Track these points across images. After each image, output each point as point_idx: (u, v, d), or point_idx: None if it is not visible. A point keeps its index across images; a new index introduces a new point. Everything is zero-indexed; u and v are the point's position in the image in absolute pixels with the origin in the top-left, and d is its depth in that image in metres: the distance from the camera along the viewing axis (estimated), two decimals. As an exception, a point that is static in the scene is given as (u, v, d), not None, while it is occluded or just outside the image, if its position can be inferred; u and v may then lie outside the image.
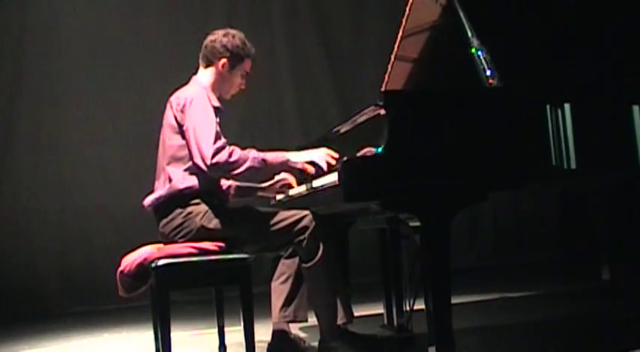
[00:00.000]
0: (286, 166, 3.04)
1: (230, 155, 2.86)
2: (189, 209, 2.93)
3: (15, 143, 6.31)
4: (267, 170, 3.01)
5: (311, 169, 2.98)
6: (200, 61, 3.18)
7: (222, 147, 2.86)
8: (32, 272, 6.16)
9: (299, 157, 3.01)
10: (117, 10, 6.59)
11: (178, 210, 2.94)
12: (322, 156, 2.97)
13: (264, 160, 2.93)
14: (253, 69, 3.22)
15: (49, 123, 6.36)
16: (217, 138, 2.87)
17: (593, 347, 3.13)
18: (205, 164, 2.85)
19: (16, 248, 6.16)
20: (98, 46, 6.48)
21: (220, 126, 2.98)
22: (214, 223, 2.92)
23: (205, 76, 3.15)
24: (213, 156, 2.84)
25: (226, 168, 2.89)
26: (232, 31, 3.19)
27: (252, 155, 2.91)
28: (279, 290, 3.13)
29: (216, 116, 2.99)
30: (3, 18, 6.35)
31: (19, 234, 6.20)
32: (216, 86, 3.15)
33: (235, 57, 3.12)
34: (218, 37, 3.15)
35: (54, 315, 5.84)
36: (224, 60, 3.11)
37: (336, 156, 2.96)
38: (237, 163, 2.87)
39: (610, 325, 3.53)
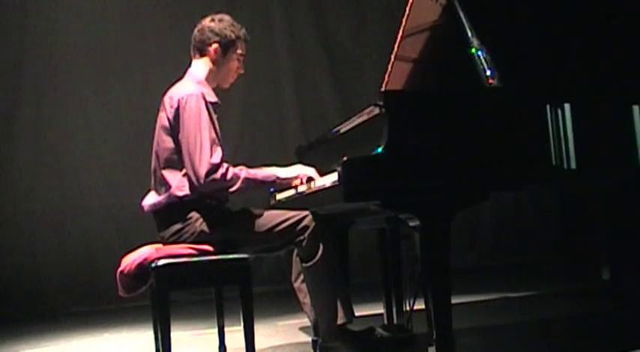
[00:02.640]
0: (275, 184, 3.04)
1: (225, 174, 2.83)
2: (188, 215, 2.90)
3: (15, 143, 6.30)
4: (258, 188, 3.00)
5: (300, 183, 3.01)
6: (192, 53, 3.10)
7: (218, 165, 2.83)
8: (32, 273, 6.14)
9: (286, 173, 3.01)
10: (117, 10, 6.58)
11: (178, 217, 2.91)
12: (309, 171, 3.00)
13: (254, 180, 2.93)
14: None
15: (49, 123, 6.35)
16: (213, 149, 2.83)
17: (593, 347, 3.13)
18: (198, 180, 2.82)
19: (17, 248, 6.15)
20: (98, 46, 6.47)
21: (218, 122, 2.95)
22: (213, 226, 2.90)
23: (200, 67, 3.07)
24: (208, 173, 2.80)
25: (219, 186, 2.87)
26: (218, 16, 3.11)
27: (244, 175, 2.89)
28: (304, 289, 3.07)
29: (214, 112, 2.95)
30: (3, 18, 6.34)
31: (19, 234, 6.19)
32: (212, 77, 3.07)
33: (226, 40, 3.05)
34: (204, 23, 3.08)
35: (54, 315, 5.84)
36: (215, 45, 3.04)
37: (317, 177, 2.98)
38: (230, 182, 2.86)
39: (610, 325, 3.53)
